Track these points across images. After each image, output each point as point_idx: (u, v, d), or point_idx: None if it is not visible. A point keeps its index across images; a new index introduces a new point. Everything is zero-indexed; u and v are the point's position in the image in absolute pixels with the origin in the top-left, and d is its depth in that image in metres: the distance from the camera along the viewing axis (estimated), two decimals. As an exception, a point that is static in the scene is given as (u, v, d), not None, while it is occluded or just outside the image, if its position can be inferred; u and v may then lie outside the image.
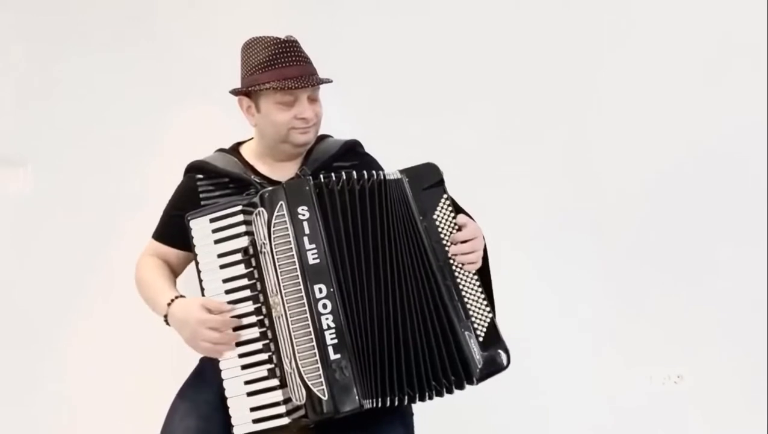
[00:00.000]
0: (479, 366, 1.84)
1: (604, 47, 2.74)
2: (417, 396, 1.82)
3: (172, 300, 1.91)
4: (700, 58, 2.71)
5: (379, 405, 1.79)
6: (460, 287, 1.87)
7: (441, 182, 1.92)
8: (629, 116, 2.74)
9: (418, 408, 1.94)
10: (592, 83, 2.75)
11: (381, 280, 1.83)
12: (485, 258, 1.94)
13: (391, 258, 1.84)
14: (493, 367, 1.86)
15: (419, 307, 1.83)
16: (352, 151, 2.11)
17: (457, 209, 1.94)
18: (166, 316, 1.91)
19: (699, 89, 2.71)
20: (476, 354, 1.84)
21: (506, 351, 1.88)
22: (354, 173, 1.86)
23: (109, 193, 2.78)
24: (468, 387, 1.84)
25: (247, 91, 1.98)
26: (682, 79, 2.72)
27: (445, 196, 1.91)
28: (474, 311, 1.88)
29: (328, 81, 1.98)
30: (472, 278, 1.89)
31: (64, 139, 2.81)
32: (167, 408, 1.95)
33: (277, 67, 1.92)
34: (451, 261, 1.88)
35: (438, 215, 1.90)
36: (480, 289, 1.90)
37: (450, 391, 1.84)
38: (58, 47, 2.81)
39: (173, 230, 2.02)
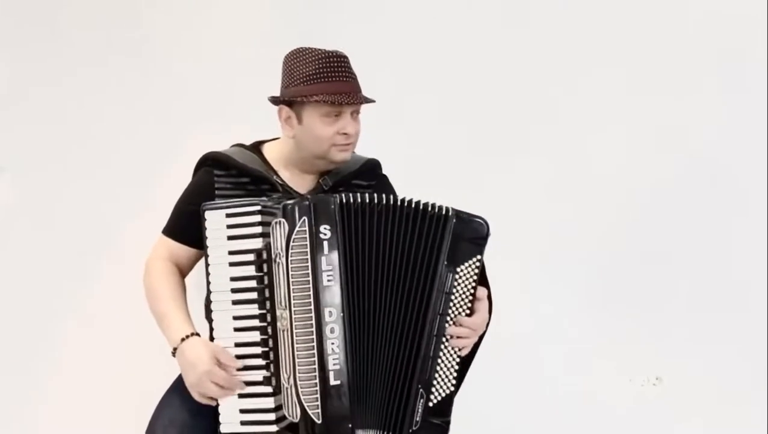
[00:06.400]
0: (413, 428, 1.84)
1: (595, 55, 2.72)
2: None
3: (187, 337, 1.85)
4: (694, 61, 2.71)
5: None
6: (441, 348, 1.85)
7: (483, 240, 1.86)
8: (619, 122, 2.74)
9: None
10: (581, 88, 2.73)
11: (383, 313, 1.81)
12: (477, 343, 1.91)
13: (397, 292, 1.82)
14: None
15: (398, 347, 1.82)
16: (372, 170, 2.08)
17: (483, 277, 1.90)
18: (175, 348, 1.86)
19: (693, 97, 2.71)
20: (417, 415, 1.84)
21: (447, 425, 1.87)
22: (384, 196, 1.82)
23: (87, 201, 2.74)
24: None
25: (290, 101, 1.91)
26: (676, 84, 2.72)
27: (478, 256, 1.86)
28: (439, 377, 1.86)
29: (373, 101, 1.93)
30: (454, 349, 1.87)
31: (43, 147, 2.76)
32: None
33: (327, 81, 1.86)
34: (448, 319, 1.85)
35: (462, 271, 1.85)
36: (456, 361, 1.88)
37: None
38: (37, 55, 2.75)
39: (186, 226, 1.94)
